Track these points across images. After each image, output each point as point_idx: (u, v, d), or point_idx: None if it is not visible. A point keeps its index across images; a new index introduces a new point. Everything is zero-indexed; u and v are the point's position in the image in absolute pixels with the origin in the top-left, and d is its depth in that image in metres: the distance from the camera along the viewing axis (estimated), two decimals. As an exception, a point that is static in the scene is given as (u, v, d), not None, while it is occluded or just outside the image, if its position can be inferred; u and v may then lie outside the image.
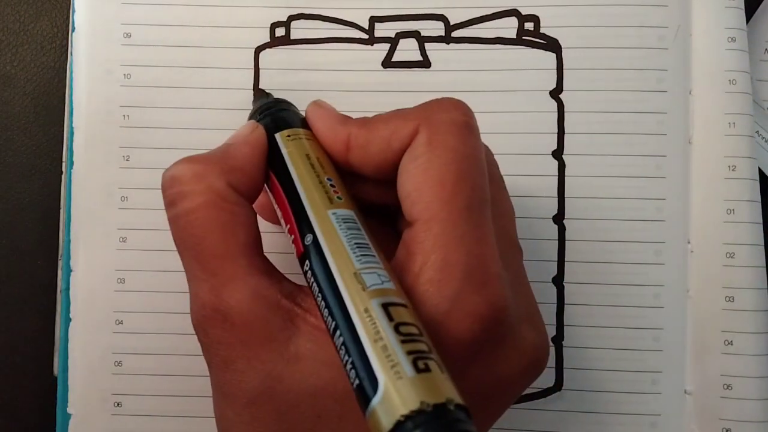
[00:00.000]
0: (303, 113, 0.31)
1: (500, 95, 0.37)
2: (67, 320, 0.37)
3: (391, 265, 0.25)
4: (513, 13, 0.38)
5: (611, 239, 0.37)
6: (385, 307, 0.23)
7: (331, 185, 0.27)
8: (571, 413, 0.36)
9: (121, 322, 0.37)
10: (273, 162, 0.29)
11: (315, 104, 0.30)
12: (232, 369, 0.26)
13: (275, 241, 0.34)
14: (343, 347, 0.23)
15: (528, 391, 0.36)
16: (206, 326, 0.26)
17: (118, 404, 0.37)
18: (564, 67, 0.37)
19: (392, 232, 0.30)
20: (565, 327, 0.37)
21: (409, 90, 0.37)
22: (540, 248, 0.37)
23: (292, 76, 0.38)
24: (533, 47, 0.37)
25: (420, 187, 0.26)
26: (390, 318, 0.23)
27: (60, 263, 0.38)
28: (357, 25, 0.38)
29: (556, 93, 0.37)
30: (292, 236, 0.27)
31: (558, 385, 0.36)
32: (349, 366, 0.23)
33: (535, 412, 0.36)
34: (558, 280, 0.37)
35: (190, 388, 0.37)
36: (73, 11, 0.38)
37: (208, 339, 0.26)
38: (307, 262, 0.26)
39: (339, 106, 0.37)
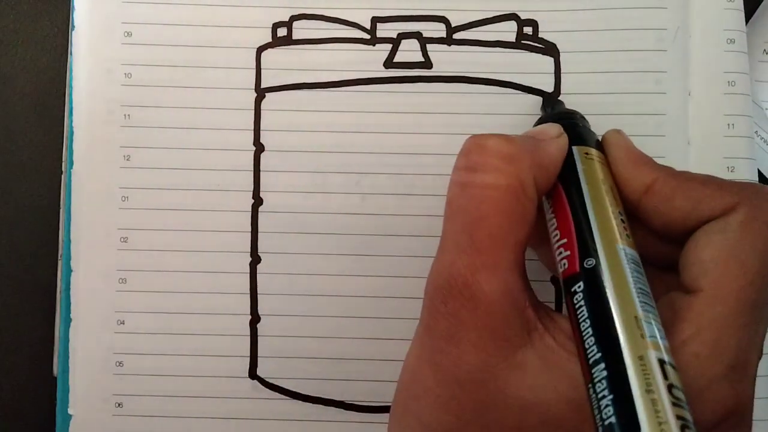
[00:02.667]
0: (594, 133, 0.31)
1: (499, 97, 0.37)
2: (68, 320, 0.37)
3: None
4: (512, 17, 0.38)
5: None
6: (661, 363, 0.23)
7: (622, 220, 0.27)
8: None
9: (123, 323, 0.37)
10: (563, 174, 0.28)
11: (617, 132, 0.30)
12: (455, 344, 0.26)
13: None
14: (602, 382, 0.23)
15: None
16: (448, 296, 0.26)
17: (119, 405, 0.37)
18: (562, 70, 0.37)
19: None
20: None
21: (411, 91, 0.37)
22: (541, 248, 0.37)
23: (293, 76, 0.38)
24: (532, 51, 0.38)
25: (718, 261, 0.25)
26: (665, 376, 0.23)
27: (60, 263, 0.37)
28: (359, 25, 0.38)
29: (554, 96, 0.37)
30: (567, 252, 0.26)
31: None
32: (604, 403, 0.23)
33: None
34: (558, 280, 0.37)
35: (191, 389, 0.37)
36: (73, 10, 0.38)
37: (445, 308, 0.26)
38: (579, 284, 0.25)
39: (341, 106, 0.37)
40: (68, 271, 0.37)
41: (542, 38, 0.38)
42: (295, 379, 0.37)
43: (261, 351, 0.37)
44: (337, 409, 0.36)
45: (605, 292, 0.25)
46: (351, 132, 0.37)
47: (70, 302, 0.37)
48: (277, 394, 0.36)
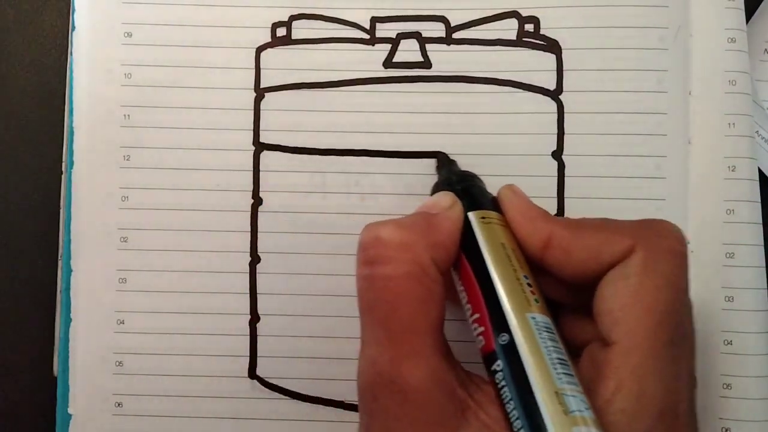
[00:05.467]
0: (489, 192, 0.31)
1: (500, 96, 0.37)
2: (68, 320, 0.37)
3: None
4: (513, 14, 0.38)
5: (611, 239, 0.37)
6: None
7: (528, 284, 0.27)
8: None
9: (123, 322, 0.37)
10: (466, 243, 0.28)
11: (510, 190, 0.30)
12: None
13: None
14: None
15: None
16: (377, 393, 0.26)
17: (119, 404, 0.37)
18: (564, 68, 0.37)
19: None
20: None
21: (410, 91, 0.37)
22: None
23: (293, 76, 0.38)
24: (533, 49, 0.37)
25: (625, 309, 0.25)
26: None
27: (60, 263, 0.37)
28: (358, 25, 0.38)
29: (555, 94, 0.37)
30: (481, 327, 0.26)
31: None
32: None
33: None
34: None
35: (191, 389, 0.37)
36: (73, 11, 0.38)
37: (376, 405, 0.26)
38: (498, 362, 0.25)
39: (340, 106, 0.37)
40: (68, 271, 0.37)
41: (544, 35, 0.37)
42: (295, 378, 0.37)
43: (260, 351, 0.37)
44: (336, 409, 0.36)
45: (523, 371, 0.25)
46: (350, 132, 0.37)
47: (70, 302, 0.37)
48: (276, 393, 0.37)
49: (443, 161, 0.36)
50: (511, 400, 0.24)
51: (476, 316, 0.27)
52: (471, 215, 0.29)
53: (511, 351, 0.25)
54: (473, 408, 0.26)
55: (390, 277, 0.26)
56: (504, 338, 0.25)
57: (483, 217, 0.29)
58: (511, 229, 0.29)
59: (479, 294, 0.27)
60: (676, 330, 0.25)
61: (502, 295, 0.26)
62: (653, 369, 0.25)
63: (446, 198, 0.29)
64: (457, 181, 0.31)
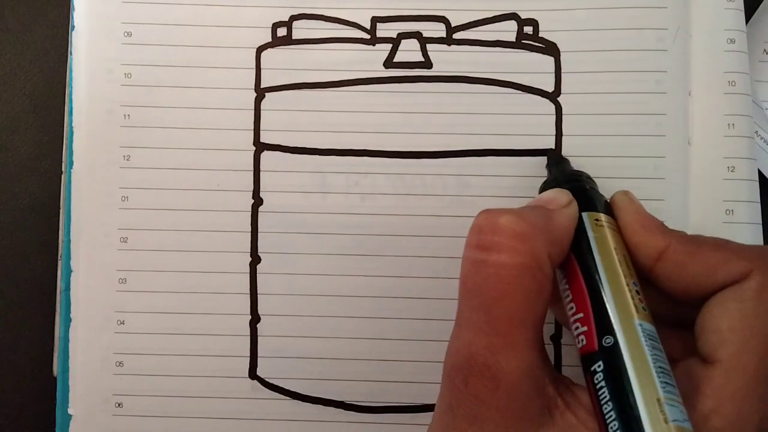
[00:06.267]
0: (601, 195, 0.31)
1: (499, 97, 0.37)
2: (68, 320, 0.37)
3: None
4: (512, 17, 0.38)
5: (612, 239, 0.37)
6: None
7: (636, 291, 0.27)
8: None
9: (123, 323, 0.37)
10: (576, 243, 0.28)
11: (626, 196, 0.30)
12: (479, 425, 0.26)
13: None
14: None
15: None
16: (469, 376, 0.26)
17: (119, 405, 0.37)
18: (562, 70, 0.37)
19: None
20: (564, 327, 0.37)
21: (410, 90, 0.37)
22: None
23: (293, 75, 0.38)
24: (532, 51, 0.38)
25: (735, 330, 0.25)
26: None
27: (60, 263, 0.37)
28: (359, 25, 0.38)
29: (554, 96, 0.37)
30: (584, 327, 0.26)
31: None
32: None
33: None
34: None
35: (191, 389, 0.37)
36: (73, 10, 0.38)
37: (466, 388, 0.26)
38: (599, 363, 0.25)
39: (340, 106, 0.37)
40: (68, 271, 0.37)
41: (542, 38, 0.38)
42: (295, 379, 0.37)
43: (261, 351, 0.37)
44: (336, 409, 0.36)
45: (626, 374, 0.25)
46: (351, 132, 0.37)
47: (70, 302, 0.37)
48: (276, 394, 0.37)
49: (554, 159, 0.36)
50: (609, 401, 0.25)
51: (579, 316, 0.27)
52: (585, 216, 0.29)
53: (614, 353, 0.25)
54: (561, 407, 0.26)
55: (504, 265, 0.26)
56: (608, 340, 0.25)
57: (596, 220, 0.29)
58: (622, 235, 0.29)
59: (585, 295, 0.27)
60: None
61: (609, 298, 0.26)
62: (754, 394, 0.25)
63: (563, 196, 0.29)
64: (566, 180, 0.31)
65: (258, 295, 0.37)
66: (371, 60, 0.38)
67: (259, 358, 0.37)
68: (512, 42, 0.38)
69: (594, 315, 0.26)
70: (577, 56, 0.37)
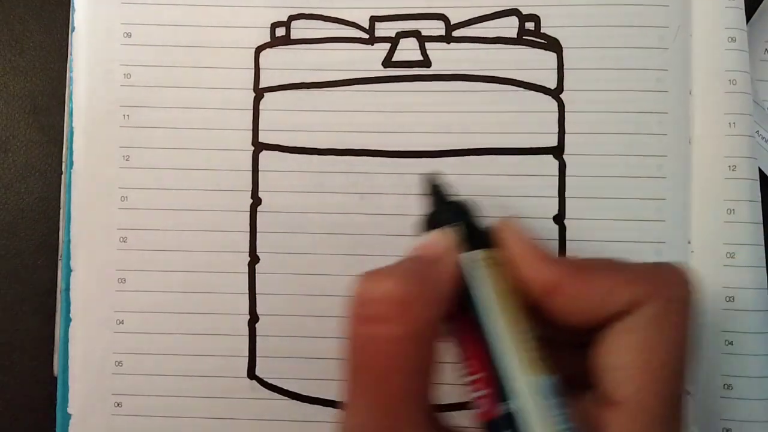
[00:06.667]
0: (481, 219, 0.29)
1: (501, 95, 0.37)
2: (68, 320, 0.37)
3: None
4: (514, 12, 0.38)
5: (611, 239, 0.37)
6: None
7: (532, 338, 0.25)
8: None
9: (122, 322, 0.37)
10: (462, 290, 0.26)
11: (509, 226, 0.28)
12: None
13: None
14: None
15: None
16: None
17: (118, 404, 0.37)
18: (564, 66, 0.37)
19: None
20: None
21: (410, 90, 0.37)
22: (540, 248, 0.37)
23: (292, 75, 0.38)
24: (534, 47, 0.37)
25: (631, 366, 0.24)
26: None
27: (60, 263, 0.38)
28: (357, 24, 0.38)
29: (556, 92, 0.37)
30: (482, 390, 0.25)
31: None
32: None
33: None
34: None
35: (190, 389, 0.37)
36: (73, 11, 0.38)
37: None
38: None
39: (339, 105, 0.37)
40: (68, 271, 0.37)
41: (545, 33, 0.37)
42: (294, 379, 0.37)
43: (260, 351, 0.37)
44: (335, 409, 0.36)
45: None
46: (349, 132, 0.37)
47: (70, 302, 0.37)
48: (275, 394, 0.37)
49: (433, 188, 0.31)
50: None
51: (476, 377, 0.25)
52: (469, 256, 0.27)
53: (517, 422, 0.24)
54: None
55: (389, 339, 0.24)
56: (511, 406, 0.24)
57: (482, 258, 0.27)
58: (512, 268, 0.27)
59: (482, 353, 0.25)
60: (680, 386, 0.24)
61: (508, 357, 0.25)
62: (659, 428, 0.24)
63: (442, 240, 0.27)
64: (450, 214, 0.29)
65: (257, 295, 0.37)
66: (370, 59, 0.37)
67: (257, 358, 0.37)
68: (513, 38, 0.37)
69: (493, 377, 0.24)
70: (579, 53, 0.37)
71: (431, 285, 0.25)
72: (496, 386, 0.24)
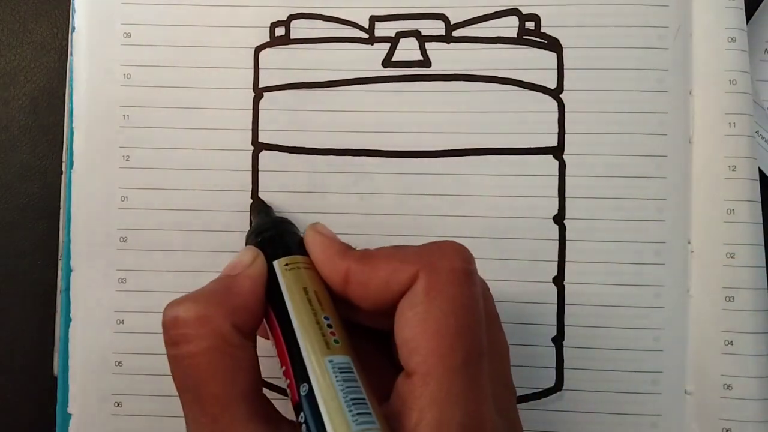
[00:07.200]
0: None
1: (500, 95, 0.37)
2: (68, 320, 0.37)
3: (385, 412, 0.25)
4: (514, 12, 0.38)
5: (611, 239, 0.37)
6: None
7: (329, 325, 0.27)
8: (571, 413, 0.36)
9: (122, 322, 0.37)
10: (272, 294, 0.28)
11: (313, 230, 0.30)
12: None
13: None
14: None
15: (528, 391, 0.36)
16: None
17: (118, 404, 0.37)
18: (564, 66, 0.37)
19: (387, 362, 0.29)
20: (565, 327, 0.36)
21: (409, 90, 0.37)
22: (540, 248, 0.37)
23: (292, 75, 0.38)
24: (534, 47, 0.37)
25: (417, 337, 0.25)
26: None
27: (60, 263, 0.38)
28: (357, 24, 0.38)
29: (556, 92, 0.37)
30: (288, 380, 0.26)
31: (558, 385, 0.36)
32: None
33: (535, 412, 0.36)
34: (558, 280, 0.37)
35: (190, 388, 0.37)
36: (73, 11, 0.38)
37: None
38: (302, 414, 0.25)
39: (339, 105, 0.37)
40: (68, 271, 0.37)
41: (545, 33, 0.37)
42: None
43: (259, 351, 0.37)
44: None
45: (320, 418, 0.24)
46: (349, 131, 0.37)
47: (70, 302, 0.37)
48: (276, 394, 0.36)
49: (257, 209, 0.36)
50: None
51: (283, 369, 0.27)
52: (275, 264, 0.29)
53: (311, 400, 0.25)
54: None
55: (193, 354, 0.26)
56: (305, 388, 0.25)
57: (287, 264, 0.29)
58: (315, 267, 0.29)
59: (283, 346, 0.27)
60: (470, 350, 0.25)
61: (301, 343, 0.26)
62: (449, 394, 0.24)
63: (247, 254, 0.29)
64: (266, 229, 0.31)
65: (257, 295, 0.37)
66: (370, 59, 0.37)
67: (258, 358, 0.37)
68: (513, 38, 0.37)
69: (291, 365, 0.26)
70: (579, 52, 0.37)
71: (230, 297, 0.27)
72: (295, 372, 0.26)
